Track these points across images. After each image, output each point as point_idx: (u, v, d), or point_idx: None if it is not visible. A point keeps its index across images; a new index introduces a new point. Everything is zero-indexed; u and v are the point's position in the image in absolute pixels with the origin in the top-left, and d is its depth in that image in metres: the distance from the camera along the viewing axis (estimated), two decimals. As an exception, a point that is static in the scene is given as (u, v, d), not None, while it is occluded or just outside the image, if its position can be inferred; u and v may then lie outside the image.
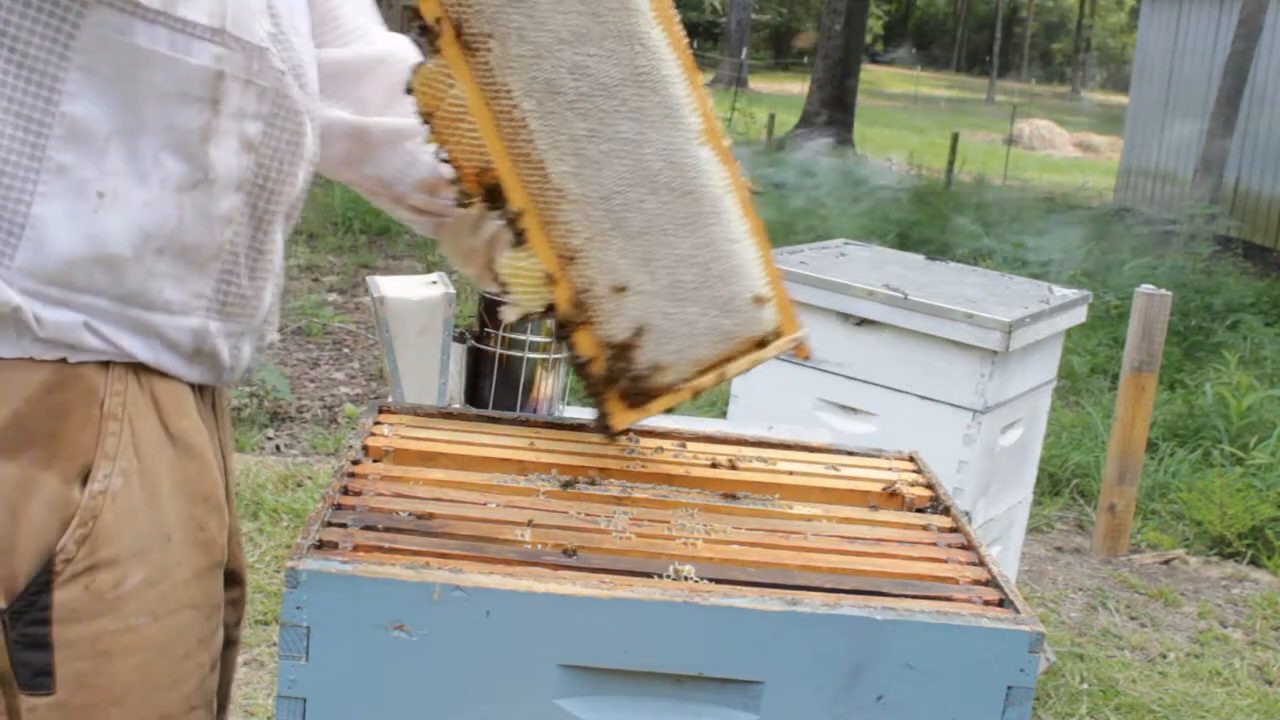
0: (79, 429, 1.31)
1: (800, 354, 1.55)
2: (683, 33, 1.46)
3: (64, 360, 1.30)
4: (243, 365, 1.48)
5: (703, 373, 1.52)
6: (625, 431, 1.55)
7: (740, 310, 1.49)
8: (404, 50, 1.63)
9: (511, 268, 1.48)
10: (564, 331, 1.51)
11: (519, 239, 1.47)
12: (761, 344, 1.52)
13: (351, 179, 1.64)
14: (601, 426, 1.54)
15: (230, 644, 1.58)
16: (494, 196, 1.46)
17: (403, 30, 1.63)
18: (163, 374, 1.38)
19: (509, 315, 1.52)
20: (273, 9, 1.38)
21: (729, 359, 1.52)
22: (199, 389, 1.45)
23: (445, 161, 1.49)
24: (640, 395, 1.52)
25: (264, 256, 1.45)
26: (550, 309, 1.50)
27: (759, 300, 1.49)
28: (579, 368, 1.52)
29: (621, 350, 1.49)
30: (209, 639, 1.46)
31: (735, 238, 1.48)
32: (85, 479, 1.31)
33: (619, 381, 1.50)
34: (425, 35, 1.42)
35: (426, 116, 1.44)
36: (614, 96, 1.42)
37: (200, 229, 1.34)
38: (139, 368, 1.35)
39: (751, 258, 1.49)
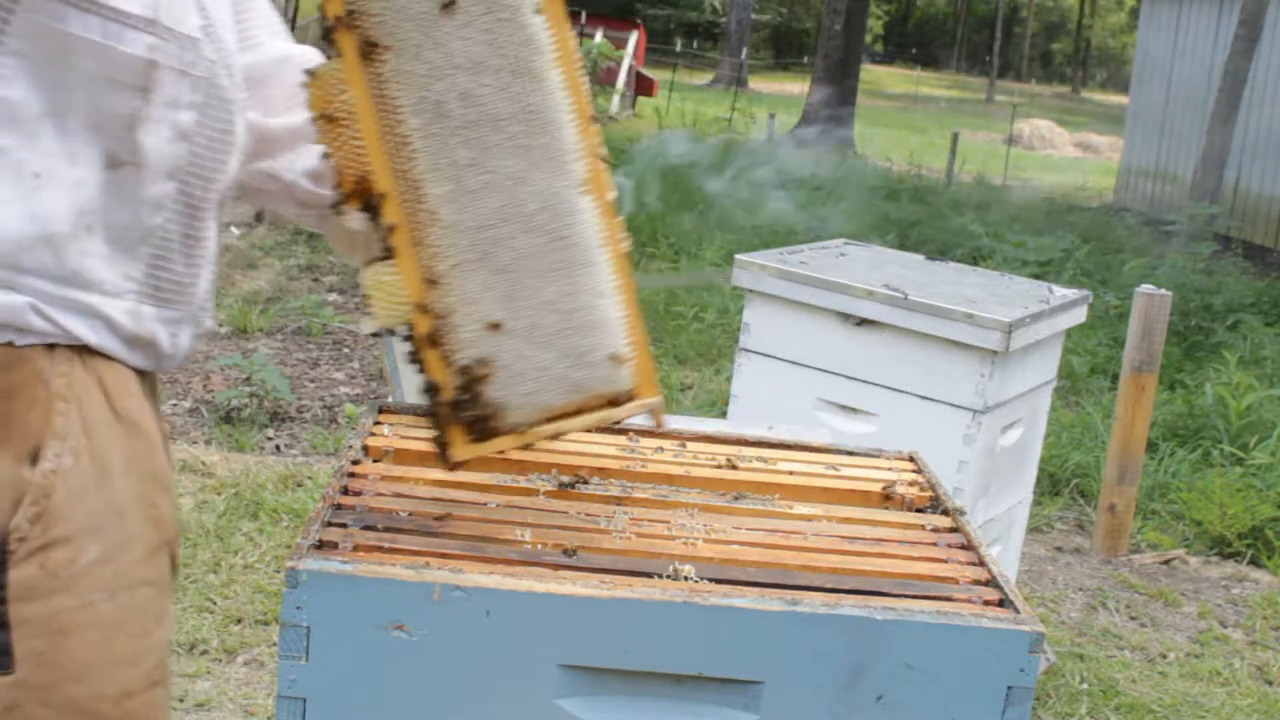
0: (27, 410, 1.33)
1: (656, 420, 1.53)
2: (585, 80, 1.46)
3: (10, 344, 1.32)
4: (181, 352, 1.49)
5: (549, 420, 1.50)
6: (463, 462, 1.52)
7: (595, 365, 1.48)
8: (309, 53, 1.65)
9: (374, 281, 1.47)
10: (417, 354, 1.50)
11: (387, 253, 1.46)
12: (614, 403, 1.50)
13: (244, 176, 1.63)
14: (440, 454, 1.53)
15: None
16: (370, 206, 1.46)
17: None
18: (106, 356, 1.40)
19: (365, 327, 1.52)
20: (201, 3, 1.41)
21: (579, 412, 1.50)
22: (139, 373, 1.46)
23: (328, 158, 1.49)
24: (483, 431, 1.51)
25: (199, 243, 1.46)
26: (409, 328, 1.50)
27: (616, 359, 1.48)
28: (427, 390, 1.51)
29: (470, 382, 1.48)
30: (165, 616, 1.47)
31: (602, 292, 1.47)
32: (35, 459, 1.33)
33: (463, 412, 1.49)
34: (327, 37, 1.43)
35: (316, 116, 1.45)
36: (501, 130, 1.41)
37: (125, 210, 1.37)
38: (83, 350, 1.37)
39: (616, 315, 1.48)
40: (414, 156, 1.43)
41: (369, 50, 1.41)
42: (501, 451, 1.52)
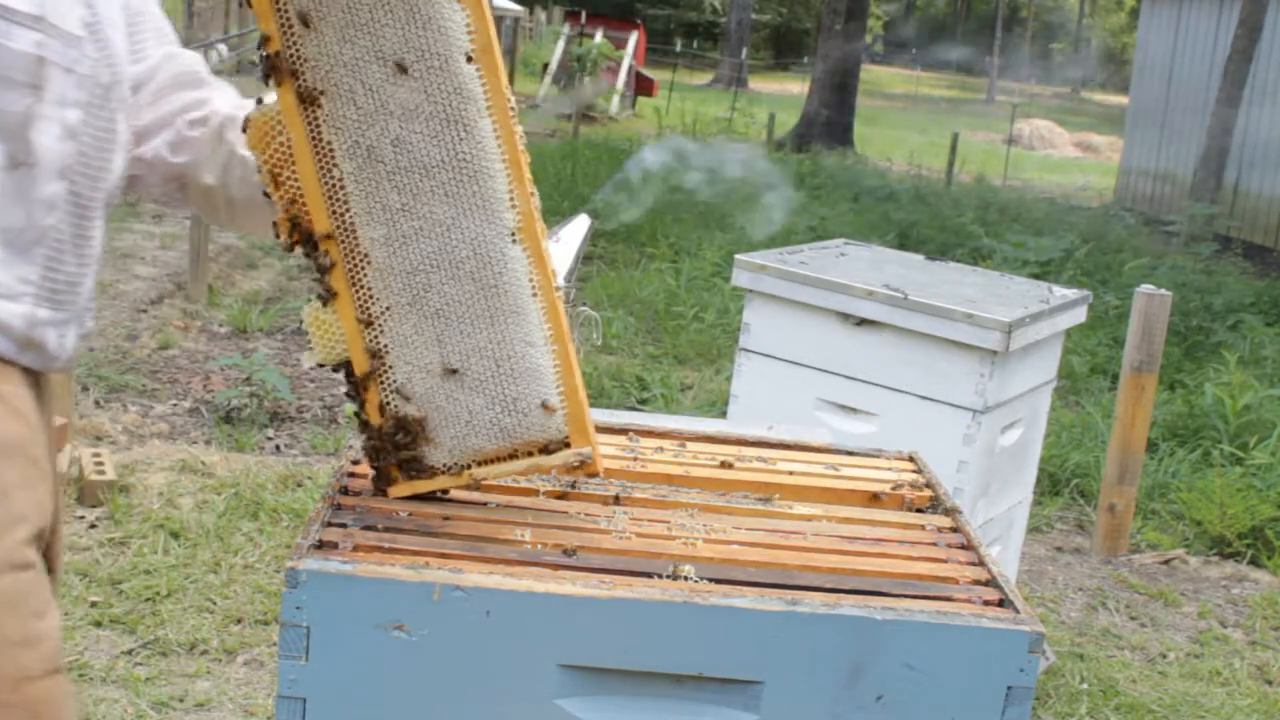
0: None
1: (588, 471, 1.53)
2: (518, 129, 1.47)
3: None
4: (66, 354, 1.51)
5: (482, 463, 1.52)
6: (406, 496, 1.55)
7: (525, 412, 1.50)
8: (191, 56, 1.67)
9: (313, 318, 1.52)
10: (355, 391, 1.54)
11: (326, 292, 1.50)
12: (546, 450, 1.52)
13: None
14: (379, 489, 1.56)
15: None
16: (310, 244, 1.50)
17: None
18: None
19: (307, 360, 1.55)
20: (87, 1, 1.43)
21: (511, 456, 1.52)
22: (25, 371, 1.47)
23: (267, 196, 1.52)
24: (416, 469, 1.53)
25: (88, 243, 1.48)
26: (347, 365, 1.53)
27: (546, 407, 1.49)
28: (362, 426, 1.55)
29: (402, 422, 1.51)
30: (53, 603, 1.47)
31: (532, 341, 1.48)
32: None
33: (398, 451, 1.53)
34: (267, 78, 1.47)
35: (256, 156, 1.49)
36: (432, 177, 1.44)
37: (20, 211, 1.38)
38: None
39: (546, 364, 1.49)
40: (348, 200, 1.46)
41: (304, 94, 1.44)
42: (443, 490, 1.54)
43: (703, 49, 38.01)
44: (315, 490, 4.35)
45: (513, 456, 1.52)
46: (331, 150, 1.45)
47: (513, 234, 1.46)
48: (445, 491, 1.56)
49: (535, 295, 1.48)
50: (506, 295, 1.47)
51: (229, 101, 1.66)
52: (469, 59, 1.42)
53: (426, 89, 1.42)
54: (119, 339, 5.94)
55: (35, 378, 1.50)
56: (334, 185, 1.46)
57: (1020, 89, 36.67)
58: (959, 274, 3.55)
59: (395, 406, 1.51)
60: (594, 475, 1.56)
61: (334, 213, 1.47)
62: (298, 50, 1.43)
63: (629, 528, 1.54)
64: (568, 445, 1.52)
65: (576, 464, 1.52)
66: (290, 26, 1.43)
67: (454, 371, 1.49)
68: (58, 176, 1.40)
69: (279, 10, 1.43)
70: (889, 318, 3.11)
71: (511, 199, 1.45)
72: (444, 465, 1.53)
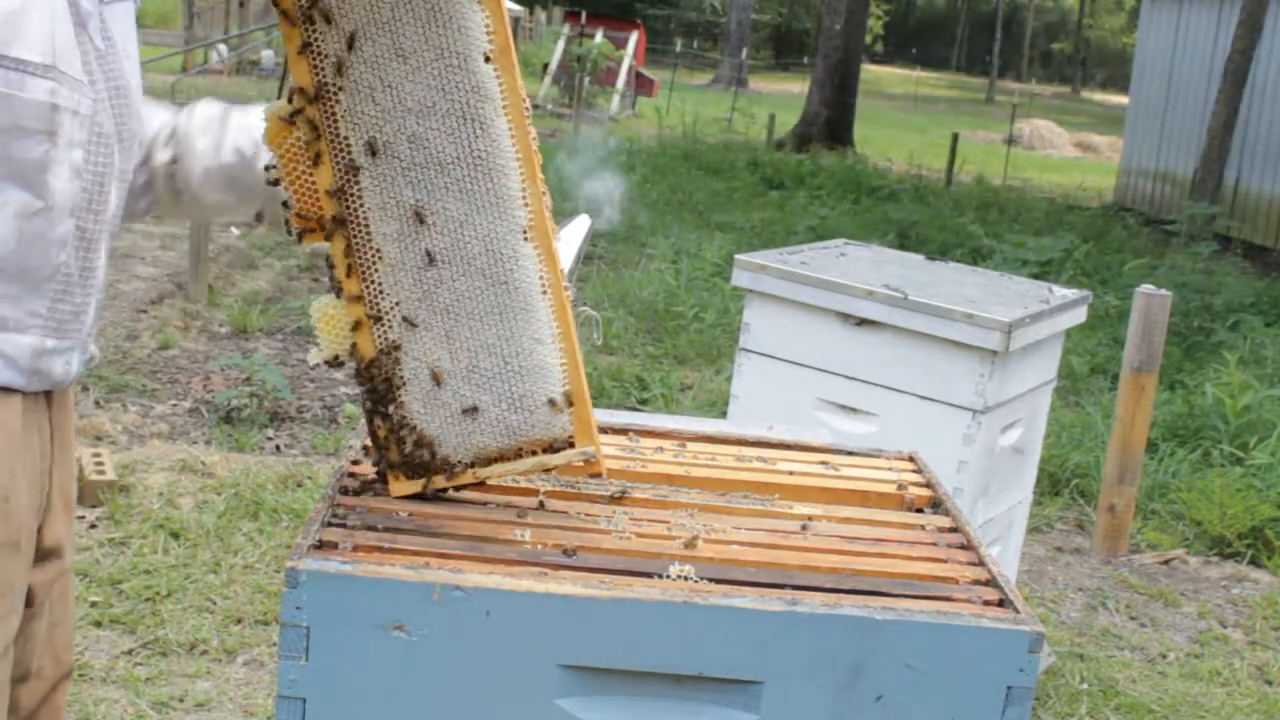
0: None
1: (592, 470, 1.53)
2: (532, 130, 1.48)
3: None
4: (71, 377, 1.55)
5: (487, 462, 1.52)
6: (409, 495, 1.55)
7: (532, 410, 1.50)
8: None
9: (321, 312, 1.53)
10: (362, 382, 1.54)
11: (335, 287, 1.52)
12: (551, 449, 1.52)
13: (178, 180, 1.71)
14: (383, 484, 1.56)
15: (38, 618, 1.61)
16: (325, 238, 1.52)
17: None
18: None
19: (313, 357, 1.56)
20: (105, 31, 1.48)
21: (516, 455, 1.52)
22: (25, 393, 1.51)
23: (275, 183, 1.54)
24: (418, 467, 1.54)
25: (93, 275, 1.53)
26: (355, 361, 1.54)
27: (554, 405, 1.50)
28: (368, 418, 1.55)
29: (405, 421, 1.52)
30: (11, 615, 1.49)
31: (541, 338, 1.49)
32: None
33: (401, 449, 1.53)
34: (286, 77, 1.48)
35: (272, 150, 1.51)
36: (447, 174, 1.46)
37: (38, 252, 1.43)
38: None
39: (554, 362, 1.50)
40: (362, 195, 1.48)
41: (322, 90, 1.46)
42: (442, 489, 1.54)
43: (703, 49, 38.01)
44: (315, 490, 4.35)
45: (518, 455, 1.53)
46: (348, 145, 1.47)
47: (524, 231, 1.47)
48: (446, 490, 1.56)
49: (545, 293, 1.49)
50: (517, 292, 1.47)
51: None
52: (487, 59, 1.44)
53: (444, 87, 1.44)
54: (119, 339, 5.94)
55: (45, 393, 1.53)
56: (349, 181, 1.48)
57: (1020, 89, 36.67)
58: (959, 274, 3.55)
59: (401, 401, 1.52)
60: (597, 475, 1.56)
61: (348, 208, 1.49)
62: (318, 46, 1.45)
63: (629, 528, 1.54)
64: (572, 445, 1.52)
65: (581, 463, 1.52)
66: (312, 23, 1.45)
67: (462, 368, 1.50)
68: (69, 215, 1.45)
69: (301, 6, 1.45)
70: (889, 318, 3.11)
71: (524, 197, 1.47)
72: (446, 463, 1.53)
